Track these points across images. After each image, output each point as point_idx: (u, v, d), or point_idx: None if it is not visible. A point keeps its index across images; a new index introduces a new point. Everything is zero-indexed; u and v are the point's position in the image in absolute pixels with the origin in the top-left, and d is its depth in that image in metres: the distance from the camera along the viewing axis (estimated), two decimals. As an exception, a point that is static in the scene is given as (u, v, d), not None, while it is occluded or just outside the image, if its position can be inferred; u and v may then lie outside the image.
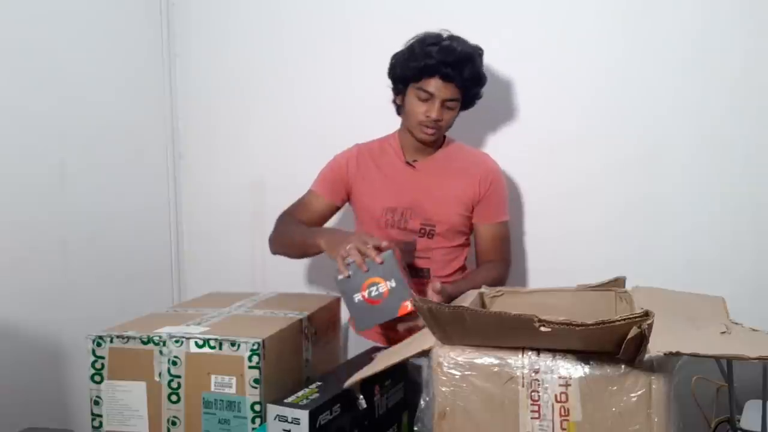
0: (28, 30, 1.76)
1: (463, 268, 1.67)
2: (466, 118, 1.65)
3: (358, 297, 1.30)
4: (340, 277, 1.31)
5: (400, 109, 1.64)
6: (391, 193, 1.62)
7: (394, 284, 1.29)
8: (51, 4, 1.83)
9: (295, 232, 1.58)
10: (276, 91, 2.17)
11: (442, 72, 1.50)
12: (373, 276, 1.30)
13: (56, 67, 1.85)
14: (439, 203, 1.60)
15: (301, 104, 2.13)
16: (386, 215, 1.61)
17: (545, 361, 0.88)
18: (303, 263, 2.14)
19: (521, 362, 0.89)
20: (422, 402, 0.97)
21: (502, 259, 1.67)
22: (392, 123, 1.92)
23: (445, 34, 1.56)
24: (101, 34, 2.01)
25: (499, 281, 1.58)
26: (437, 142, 1.65)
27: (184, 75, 2.27)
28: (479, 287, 1.32)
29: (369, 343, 1.56)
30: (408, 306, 1.28)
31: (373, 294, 1.30)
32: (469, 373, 0.91)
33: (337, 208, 1.70)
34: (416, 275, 1.59)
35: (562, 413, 0.87)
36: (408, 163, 1.64)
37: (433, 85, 1.52)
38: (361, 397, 1.17)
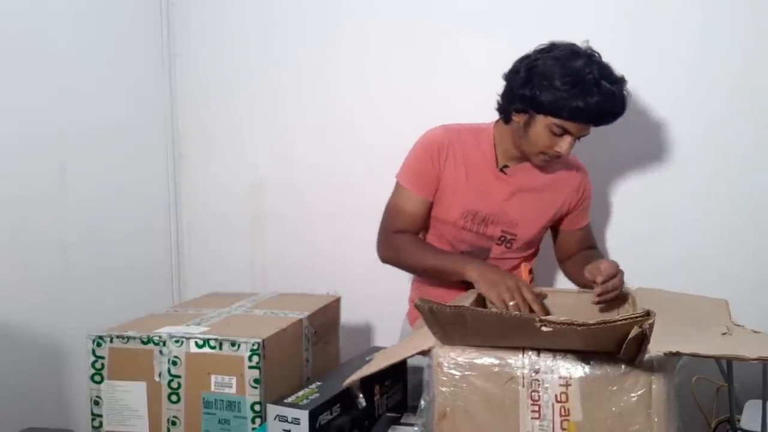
0: (28, 30, 1.76)
1: (528, 273, 1.60)
2: (465, 117, 1.64)
3: None
4: None
5: (509, 121, 1.46)
6: (476, 197, 1.49)
7: None
8: (51, 5, 1.83)
9: (426, 257, 1.46)
10: (276, 92, 2.17)
11: (594, 119, 1.35)
12: None
13: (56, 67, 1.85)
14: (526, 214, 1.50)
15: (300, 105, 2.13)
16: (467, 217, 1.49)
17: (545, 361, 0.88)
18: (303, 264, 2.14)
19: (521, 362, 0.89)
20: (422, 402, 0.97)
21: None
22: (393, 123, 1.93)
23: (586, 52, 1.37)
24: (101, 34, 2.01)
25: None
26: None
27: (184, 75, 2.27)
28: None
29: (368, 344, 1.56)
30: None
31: None
32: (470, 373, 0.91)
33: (432, 204, 1.53)
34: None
35: (563, 413, 0.87)
36: (500, 169, 1.49)
37: (575, 126, 1.35)
38: (361, 395, 1.17)
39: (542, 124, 1.37)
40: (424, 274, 1.57)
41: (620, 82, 1.37)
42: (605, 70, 1.35)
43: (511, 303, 1.25)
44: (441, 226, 1.55)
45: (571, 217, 1.57)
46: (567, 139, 1.37)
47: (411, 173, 1.52)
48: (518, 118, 1.42)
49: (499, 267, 1.43)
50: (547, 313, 1.28)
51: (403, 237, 1.52)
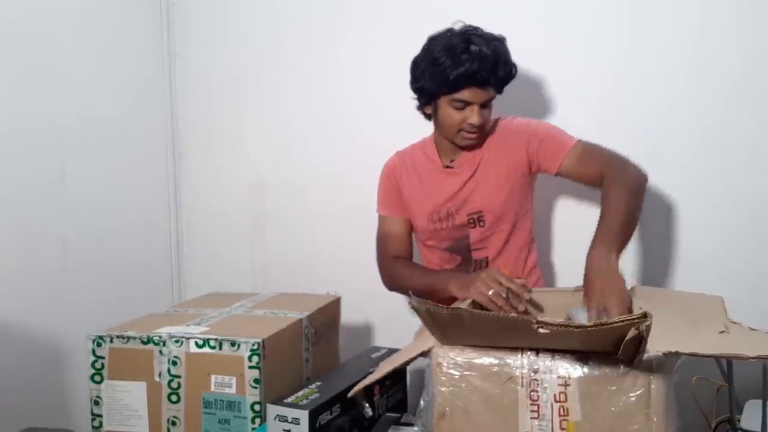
0: (28, 30, 1.76)
1: (523, 247, 1.60)
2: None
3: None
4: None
5: (430, 117, 1.59)
6: (432, 198, 1.58)
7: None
8: (51, 4, 1.83)
9: (415, 279, 1.53)
10: (276, 92, 2.17)
11: (478, 80, 1.43)
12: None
13: (56, 67, 1.85)
14: (484, 192, 1.54)
15: (300, 105, 2.13)
16: (432, 217, 1.58)
17: (544, 361, 0.88)
18: (303, 264, 2.14)
19: (520, 362, 0.89)
20: (422, 402, 0.97)
21: (608, 165, 1.44)
22: (393, 123, 1.93)
23: (461, 29, 1.47)
24: (101, 34, 2.01)
25: (632, 185, 1.36)
26: None
27: (184, 75, 2.27)
28: (621, 218, 1.28)
29: (368, 344, 1.56)
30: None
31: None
32: (469, 373, 0.91)
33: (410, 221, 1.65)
34: (477, 268, 1.56)
35: (561, 413, 0.87)
36: (446, 166, 1.58)
37: (469, 94, 1.44)
38: (367, 405, 1.17)
39: (444, 105, 1.48)
40: (421, 296, 1.59)
41: (492, 41, 1.46)
42: (475, 36, 1.45)
43: (490, 293, 1.26)
44: (423, 237, 1.62)
45: (544, 159, 1.51)
46: (473, 109, 1.46)
47: (382, 201, 1.67)
48: (429, 110, 1.55)
49: (470, 274, 1.43)
50: (528, 293, 1.29)
51: (395, 263, 1.62)
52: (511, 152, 1.53)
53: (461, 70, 1.41)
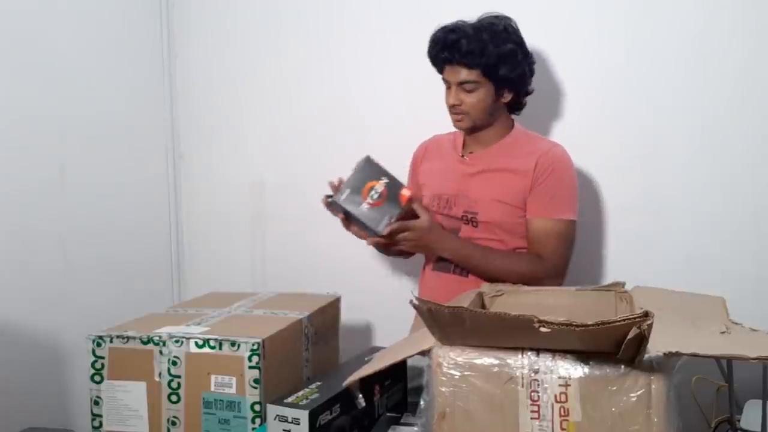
0: (29, 30, 1.77)
1: None
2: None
3: (363, 206, 1.45)
4: (335, 198, 1.48)
5: None
6: (441, 182, 1.64)
7: (387, 180, 1.45)
8: (51, 5, 1.83)
9: None
10: (276, 91, 2.17)
11: (443, 57, 1.53)
12: (368, 181, 1.46)
13: (56, 67, 1.85)
14: (484, 192, 1.56)
15: (301, 104, 2.13)
16: (434, 201, 1.63)
17: (545, 362, 0.88)
18: (303, 263, 2.14)
19: (521, 362, 0.89)
20: (422, 402, 0.97)
21: (546, 256, 1.52)
22: (394, 122, 1.93)
23: (450, 24, 1.54)
24: (101, 34, 2.01)
25: (527, 277, 1.46)
26: (496, 133, 1.60)
27: (184, 75, 2.27)
28: (497, 268, 1.49)
29: (368, 344, 1.56)
30: (406, 193, 1.45)
31: (374, 197, 1.44)
32: (469, 373, 0.91)
33: None
34: (458, 267, 1.56)
35: (562, 413, 0.87)
36: (463, 156, 1.65)
37: (446, 72, 1.55)
38: (360, 395, 1.17)
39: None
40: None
41: (471, 22, 1.53)
42: (445, 25, 1.54)
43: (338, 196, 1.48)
44: None
45: (533, 199, 1.54)
46: (450, 89, 1.56)
47: (409, 176, 1.72)
48: None
49: None
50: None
51: None
52: (523, 171, 1.54)
53: (432, 51, 1.55)
